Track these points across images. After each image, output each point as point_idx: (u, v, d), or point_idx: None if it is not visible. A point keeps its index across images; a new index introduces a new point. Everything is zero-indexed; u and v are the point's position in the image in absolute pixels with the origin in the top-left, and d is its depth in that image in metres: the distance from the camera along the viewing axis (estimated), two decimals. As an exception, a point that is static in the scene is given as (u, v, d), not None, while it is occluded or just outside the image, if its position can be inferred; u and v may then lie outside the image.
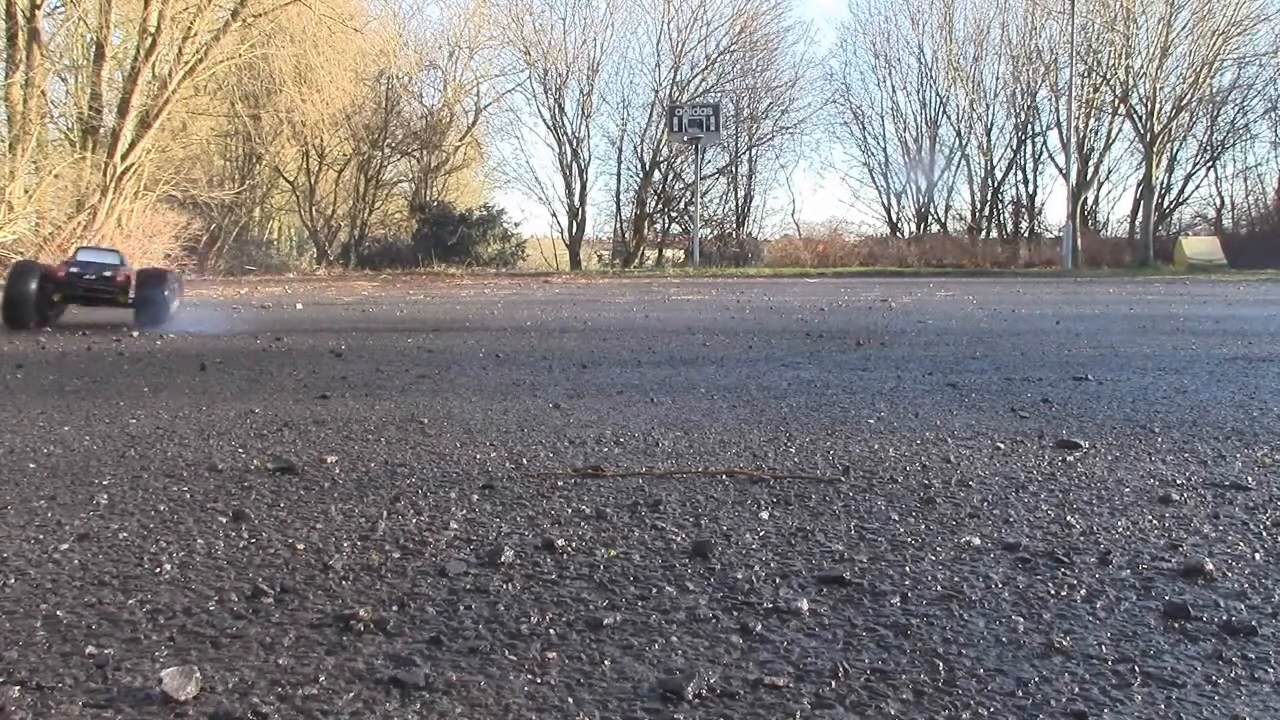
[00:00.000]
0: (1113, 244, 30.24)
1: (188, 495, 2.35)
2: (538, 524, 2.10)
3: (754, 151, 33.06)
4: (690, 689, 1.29)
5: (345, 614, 1.56)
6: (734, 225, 32.64)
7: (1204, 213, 31.77)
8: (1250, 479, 2.49)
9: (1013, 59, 31.64)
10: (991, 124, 32.32)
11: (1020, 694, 1.30)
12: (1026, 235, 31.61)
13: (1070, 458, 2.76)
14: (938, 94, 32.87)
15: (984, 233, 32.26)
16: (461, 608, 1.61)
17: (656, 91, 31.63)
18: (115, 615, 1.57)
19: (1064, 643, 1.46)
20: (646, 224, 32.17)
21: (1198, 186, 31.26)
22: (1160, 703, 1.28)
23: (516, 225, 30.41)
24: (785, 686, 1.32)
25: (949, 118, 32.84)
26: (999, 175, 32.65)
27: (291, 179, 29.39)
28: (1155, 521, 2.12)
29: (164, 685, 1.28)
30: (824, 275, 23.25)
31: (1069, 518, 2.14)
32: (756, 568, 1.81)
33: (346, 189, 30.13)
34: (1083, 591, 1.68)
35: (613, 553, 1.90)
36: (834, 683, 1.33)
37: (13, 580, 1.74)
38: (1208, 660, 1.41)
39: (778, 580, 1.74)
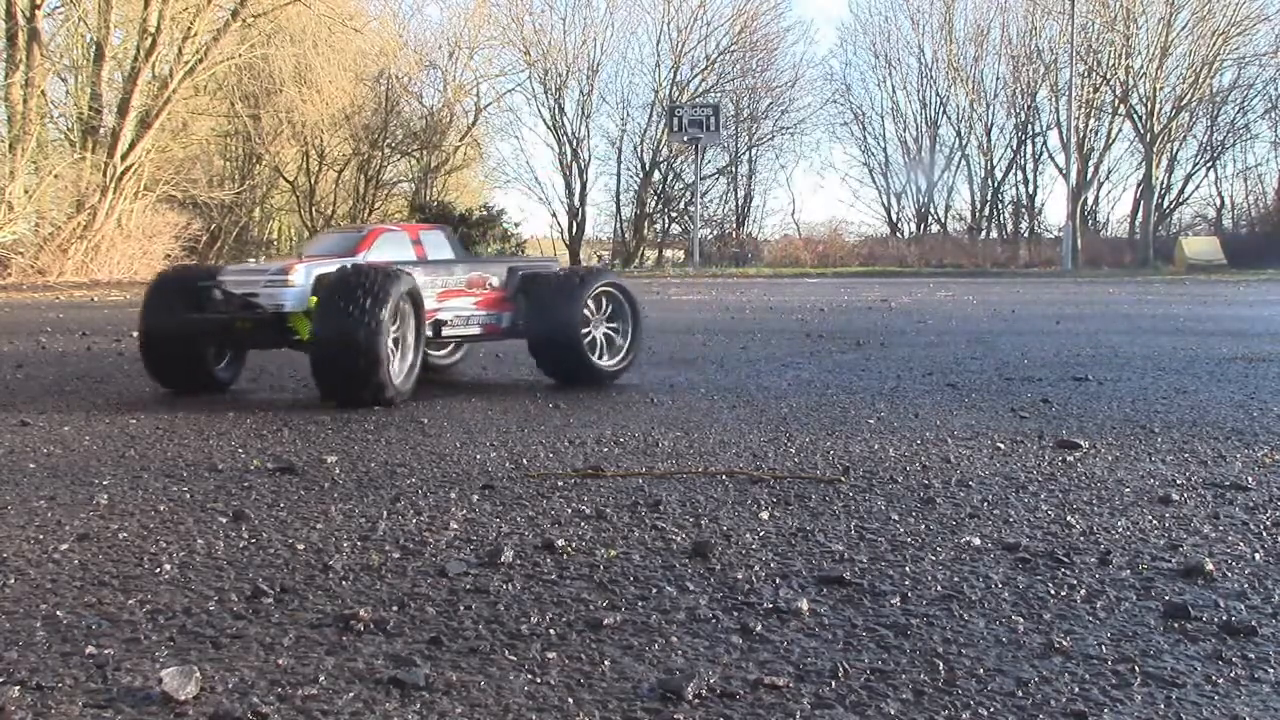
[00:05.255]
0: (1113, 244, 30.22)
1: (188, 495, 2.35)
2: (538, 524, 2.10)
3: (754, 151, 33.07)
4: (690, 689, 1.29)
5: (345, 614, 1.55)
6: (734, 225, 32.63)
7: (1204, 213, 31.76)
8: (1250, 479, 2.49)
9: (1013, 59, 31.63)
10: (991, 124, 32.32)
11: (1020, 694, 1.30)
12: (1026, 235, 31.59)
13: (1070, 458, 2.76)
14: (938, 94, 32.87)
15: (984, 233, 32.24)
16: (461, 608, 1.61)
17: (656, 92, 31.63)
18: (115, 615, 1.57)
19: (1064, 643, 1.46)
20: (646, 224, 32.17)
21: (1198, 186, 31.22)
22: (1160, 703, 1.28)
23: (516, 225, 30.35)
24: (785, 686, 1.32)
25: (949, 118, 32.83)
26: (999, 175, 32.64)
27: (291, 179, 29.37)
28: (1155, 521, 2.12)
29: (164, 685, 1.27)
30: (824, 275, 23.23)
31: (1069, 518, 2.14)
32: (756, 568, 1.81)
33: (346, 189, 30.12)
34: (1083, 591, 1.68)
35: (613, 553, 1.90)
36: (834, 683, 1.33)
37: (13, 580, 1.74)
38: (1208, 660, 1.41)
39: (778, 580, 1.74)
